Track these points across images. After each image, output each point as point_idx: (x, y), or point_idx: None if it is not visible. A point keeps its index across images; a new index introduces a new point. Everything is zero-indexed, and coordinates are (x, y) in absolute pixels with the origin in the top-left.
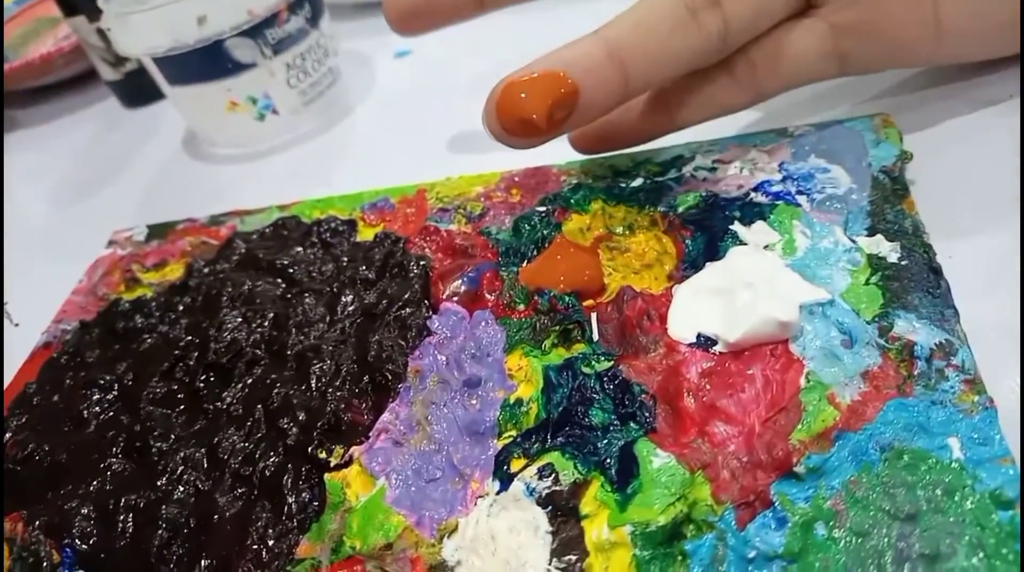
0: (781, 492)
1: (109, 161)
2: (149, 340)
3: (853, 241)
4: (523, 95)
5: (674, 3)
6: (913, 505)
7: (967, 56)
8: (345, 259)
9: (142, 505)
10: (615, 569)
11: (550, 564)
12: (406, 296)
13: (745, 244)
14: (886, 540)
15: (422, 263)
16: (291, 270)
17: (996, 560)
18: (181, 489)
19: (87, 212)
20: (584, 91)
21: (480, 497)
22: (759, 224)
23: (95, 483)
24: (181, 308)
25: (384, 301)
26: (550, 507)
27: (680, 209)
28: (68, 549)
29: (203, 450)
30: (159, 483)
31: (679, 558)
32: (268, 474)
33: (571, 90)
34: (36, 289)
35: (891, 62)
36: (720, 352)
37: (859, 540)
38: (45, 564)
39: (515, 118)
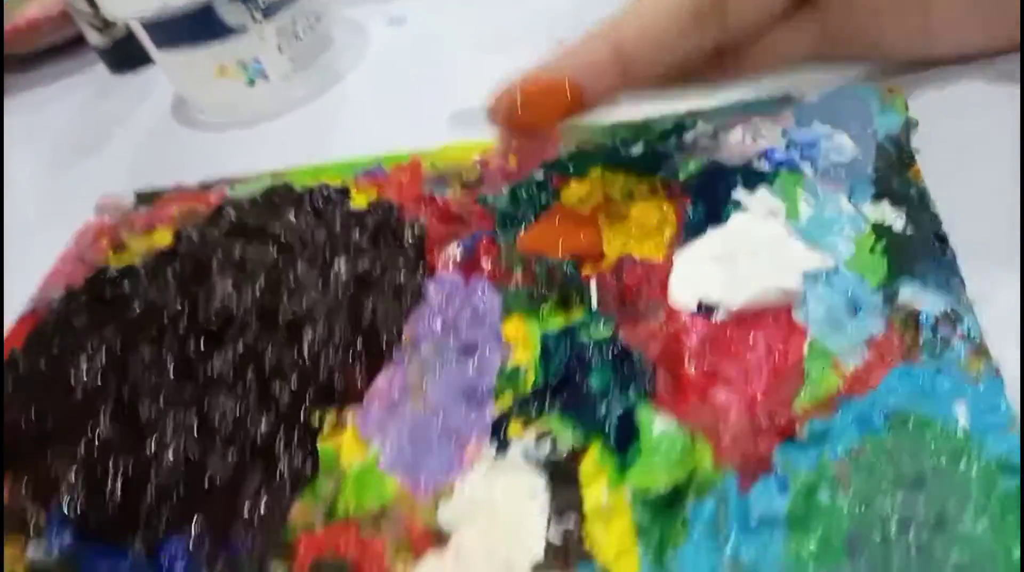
0: (784, 458)
1: (97, 128)
2: (137, 307)
3: (858, 209)
4: (532, 107)
5: (679, 5)
6: (918, 472)
7: (958, 54)
8: (338, 226)
9: (131, 470)
10: (615, 534)
11: (548, 529)
12: (401, 262)
13: (748, 211)
14: (890, 507)
15: (417, 230)
16: (283, 238)
17: (1001, 527)
18: (171, 454)
19: (75, 179)
20: (587, 93)
21: (477, 462)
22: (762, 191)
23: (83, 447)
24: (170, 275)
25: (378, 268)
26: (548, 472)
27: (681, 176)
28: (55, 512)
29: (193, 416)
30: (148, 448)
31: (680, 523)
32: (260, 439)
33: (578, 99)
34: (23, 256)
35: (877, 59)
36: (722, 320)
37: (863, 506)
38: (32, 525)
39: (521, 126)
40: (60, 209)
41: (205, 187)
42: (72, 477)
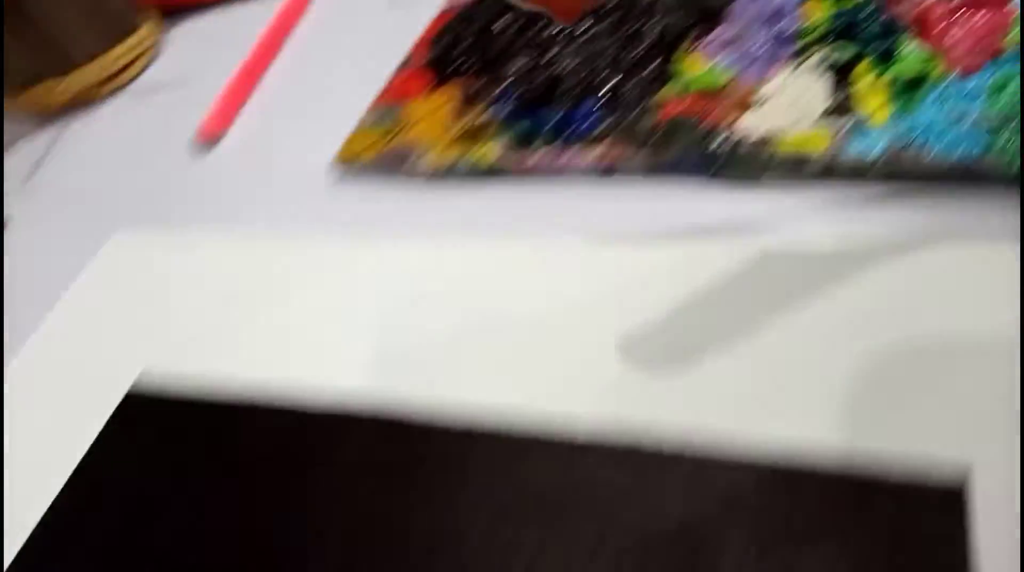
0: (990, 67)
1: None
2: None
3: None
4: None
5: None
6: None
7: None
8: None
9: (545, 77)
10: (875, 98)
11: (829, 100)
12: None
13: None
14: None
15: None
16: None
17: None
18: (568, 57)
19: None
20: None
21: (783, 68)
22: None
23: (512, 67)
24: None
25: None
26: (832, 72)
27: None
28: (501, 94)
29: (583, 55)
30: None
31: (919, 96)
32: (635, 61)
33: None
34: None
35: None
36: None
37: None
38: (484, 103)
39: None
40: None
41: None
42: (510, 78)
